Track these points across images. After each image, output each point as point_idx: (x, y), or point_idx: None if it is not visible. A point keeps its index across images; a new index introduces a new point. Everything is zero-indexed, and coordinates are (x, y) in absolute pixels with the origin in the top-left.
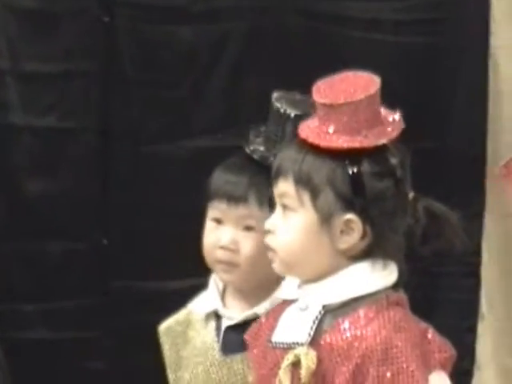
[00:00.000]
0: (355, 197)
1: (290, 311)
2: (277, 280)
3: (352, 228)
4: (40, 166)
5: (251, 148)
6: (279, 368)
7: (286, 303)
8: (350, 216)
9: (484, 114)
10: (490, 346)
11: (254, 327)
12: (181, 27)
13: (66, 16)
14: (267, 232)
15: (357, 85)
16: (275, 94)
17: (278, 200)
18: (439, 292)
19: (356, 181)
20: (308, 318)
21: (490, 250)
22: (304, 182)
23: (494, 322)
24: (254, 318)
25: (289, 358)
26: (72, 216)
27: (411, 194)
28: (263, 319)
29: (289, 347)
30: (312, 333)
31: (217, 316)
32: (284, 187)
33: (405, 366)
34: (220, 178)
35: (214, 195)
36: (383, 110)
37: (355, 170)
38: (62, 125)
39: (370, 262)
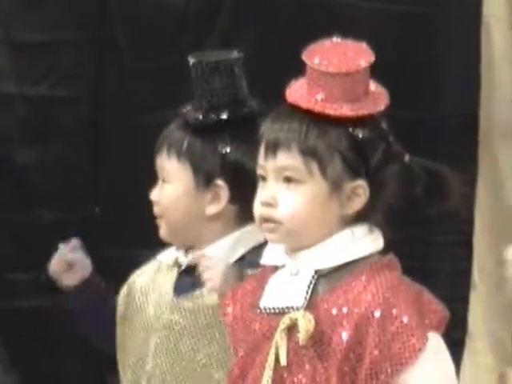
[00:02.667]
0: (360, 162)
1: (277, 277)
2: (215, 232)
3: (359, 194)
4: (32, 134)
5: (182, 110)
6: (272, 333)
7: (268, 270)
8: (358, 182)
9: (477, 81)
10: (482, 315)
11: (229, 293)
12: None
13: None
14: (265, 205)
15: (354, 53)
16: (191, 55)
17: (273, 172)
18: (431, 261)
19: (360, 147)
20: (301, 282)
21: (482, 219)
22: (311, 152)
23: (485, 291)
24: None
25: (284, 322)
26: (63, 185)
27: (406, 156)
28: (242, 286)
29: (281, 312)
30: (308, 297)
31: (179, 265)
32: (287, 160)
33: (405, 323)
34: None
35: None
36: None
37: (358, 136)
38: (53, 93)
39: (358, 226)
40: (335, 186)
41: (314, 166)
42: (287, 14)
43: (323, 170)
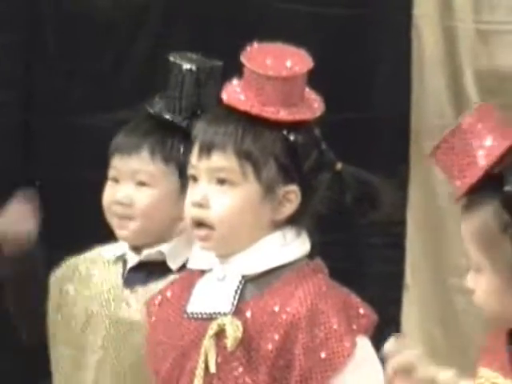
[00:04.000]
0: (294, 168)
1: (204, 282)
2: (180, 229)
3: (290, 199)
4: None
5: (150, 105)
6: (200, 339)
7: (195, 274)
8: (292, 187)
9: (408, 83)
10: (416, 315)
11: (154, 296)
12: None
13: None
14: (197, 206)
15: (294, 59)
16: (172, 54)
17: (206, 174)
18: (364, 263)
19: (294, 152)
20: (228, 287)
21: (414, 221)
22: (246, 155)
23: (418, 292)
24: (158, 260)
25: (213, 327)
26: None
27: (339, 165)
28: (168, 288)
29: (210, 317)
30: (235, 302)
31: (124, 262)
32: (221, 161)
33: (333, 329)
34: (119, 137)
35: (111, 152)
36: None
37: (294, 141)
38: None
39: (285, 230)
40: (269, 190)
41: (249, 169)
42: (221, 16)
43: (258, 172)
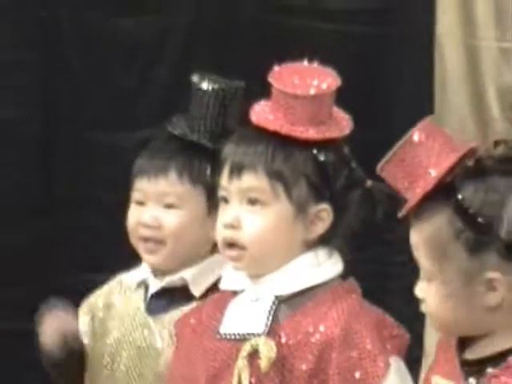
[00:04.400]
0: (325, 186)
1: (237, 302)
2: (205, 252)
3: (322, 218)
4: None
5: (172, 126)
6: (233, 360)
7: (227, 295)
8: (323, 206)
9: (430, 100)
10: (437, 334)
11: (186, 315)
12: (124, 18)
13: (8, 5)
14: (229, 227)
15: (322, 77)
16: (195, 74)
17: (237, 194)
18: (390, 281)
19: (325, 170)
20: (261, 308)
21: None
22: (277, 174)
23: None
24: (180, 285)
25: (246, 348)
26: (13, 207)
27: (369, 182)
28: (200, 309)
29: (243, 338)
30: (269, 323)
31: (146, 287)
32: (252, 181)
33: (367, 349)
34: (142, 159)
35: (135, 176)
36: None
37: (324, 160)
38: (3, 114)
39: (317, 251)
40: (300, 209)
41: (280, 188)
42: (244, 37)
43: (289, 192)
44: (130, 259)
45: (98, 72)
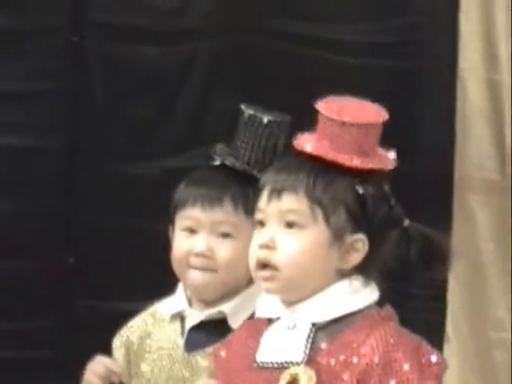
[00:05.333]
0: (363, 217)
1: (273, 330)
2: (244, 284)
3: (358, 248)
4: (5, 184)
5: (220, 157)
6: None
7: (261, 322)
8: (360, 236)
9: (452, 136)
10: (455, 367)
11: (219, 347)
12: (148, 47)
13: (34, 35)
14: (264, 247)
15: (368, 109)
16: (243, 105)
17: (275, 216)
18: (407, 312)
19: (365, 202)
20: (298, 336)
21: (456, 274)
22: (318, 199)
23: (458, 343)
24: (218, 318)
25: (285, 377)
26: (38, 235)
27: (406, 221)
28: (234, 337)
29: (281, 367)
30: (307, 351)
31: (181, 318)
32: (291, 204)
33: (406, 378)
34: (191, 188)
35: (184, 204)
36: None
37: (364, 191)
38: (28, 144)
39: (352, 278)
40: (337, 236)
41: (319, 213)
42: (268, 68)
43: (327, 217)
44: (155, 287)
45: (121, 101)
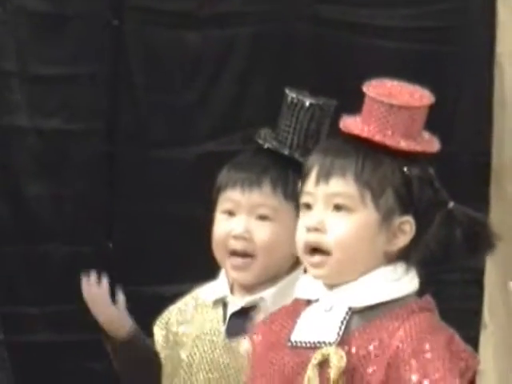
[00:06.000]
0: (410, 199)
1: (310, 311)
2: (285, 270)
3: (405, 230)
4: (46, 168)
5: (263, 141)
6: (303, 368)
7: (299, 303)
8: (407, 218)
9: (489, 120)
10: (492, 354)
11: (259, 325)
12: (188, 32)
13: (74, 19)
14: (313, 230)
15: (414, 93)
16: (287, 89)
17: (322, 199)
18: (442, 300)
19: (411, 184)
20: (334, 318)
21: (493, 258)
22: (366, 181)
23: (495, 331)
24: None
25: (316, 357)
26: (77, 219)
27: (451, 203)
28: (272, 318)
29: (314, 346)
30: (341, 333)
31: (223, 304)
32: (339, 186)
33: (433, 369)
34: (233, 171)
35: (225, 187)
36: None
37: (412, 174)
38: (68, 127)
39: (396, 266)
40: (386, 218)
41: (368, 195)
42: (305, 53)
43: (376, 200)
44: (194, 272)
45: (161, 86)
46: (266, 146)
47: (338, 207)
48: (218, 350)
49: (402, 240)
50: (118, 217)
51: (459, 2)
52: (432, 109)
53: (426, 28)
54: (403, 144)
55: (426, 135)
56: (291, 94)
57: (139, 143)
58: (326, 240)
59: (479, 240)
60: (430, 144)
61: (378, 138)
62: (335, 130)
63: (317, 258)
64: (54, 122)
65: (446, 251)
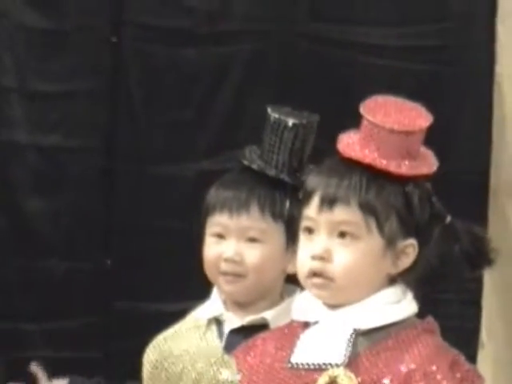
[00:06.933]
0: (412, 222)
1: (312, 333)
2: (279, 292)
3: (407, 253)
4: (44, 184)
5: (248, 161)
6: None
7: (295, 325)
8: (411, 241)
9: (488, 139)
10: (490, 374)
11: (245, 350)
12: (186, 49)
13: (73, 35)
14: (318, 259)
15: (411, 112)
16: (270, 107)
17: (327, 226)
18: (440, 320)
19: (413, 206)
20: (339, 339)
21: (491, 278)
22: (370, 208)
23: (493, 350)
24: (260, 324)
25: (324, 379)
26: (75, 235)
27: (448, 218)
28: (263, 340)
29: (318, 368)
30: (348, 354)
31: (217, 322)
32: (344, 215)
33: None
34: (219, 192)
35: (213, 209)
36: None
37: (412, 196)
38: (66, 144)
39: (398, 287)
40: (390, 244)
41: (373, 222)
42: (303, 70)
43: (381, 226)
44: (193, 288)
45: (158, 102)
46: (253, 166)
47: (342, 234)
48: (214, 366)
49: (405, 262)
50: (116, 233)
51: (458, 21)
52: (430, 128)
53: (427, 47)
54: (404, 168)
55: (424, 151)
56: (273, 114)
57: (137, 159)
58: (331, 270)
59: (478, 254)
60: (429, 163)
61: (380, 164)
62: (331, 148)
63: (319, 280)
64: (52, 137)
65: (445, 268)
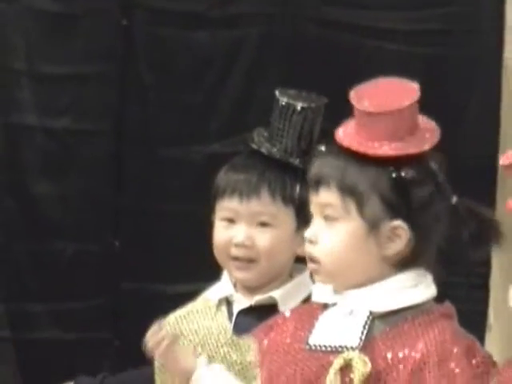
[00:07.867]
0: (401, 203)
1: (329, 315)
2: (288, 273)
3: (399, 235)
4: (54, 167)
5: (257, 145)
6: (323, 372)
7: (315, 307)
8: (397, 223)
9: (497, 123)
10: (497, 357)
11: (263, 331)
12: (197, 32)
13: (84, 18)
14: (308, 242)
15: (398, 92)
16: (278, 91)
17: (317, 209)
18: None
19: (401, 187)
20: (355, 322)
21: (499, 261)
22: (349, 190)
23: (501, 333)
24: (269, 304)
25: (338, 361)
26: (84, 217)
27: (454, 198)
28: (282, 320)
29: (334, 351)
30: (363, 337)
31: (227, 303)
32: (326, 197)
33: (455, 376)
34: (229, 175)
35: (223, 193)
36: (420, 117)
37: (400, 177)
38: (76, 126)
39: (415, 271)
40: (372, 226)
41: (352, 204)
42: (312, 55)
43: (360, 208)
44: (200, 271)
45: (169, 85)
46: (262, 150)
47: (326, 217)
48: (224, 347)
49: (399, 243)
50: (124, 215)
51: (466, 5)
52: (438, 112)
53: (435, 31)
54: (386, 149)
55: (425, 127)
56: (282, 98)
57: (147, 142)
58: (316, 252)
59: (485, 233)
60: (420, 142)
61: (356, 146)
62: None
63: (312, 265)
64: (62, 121)
65: (452, 249)
